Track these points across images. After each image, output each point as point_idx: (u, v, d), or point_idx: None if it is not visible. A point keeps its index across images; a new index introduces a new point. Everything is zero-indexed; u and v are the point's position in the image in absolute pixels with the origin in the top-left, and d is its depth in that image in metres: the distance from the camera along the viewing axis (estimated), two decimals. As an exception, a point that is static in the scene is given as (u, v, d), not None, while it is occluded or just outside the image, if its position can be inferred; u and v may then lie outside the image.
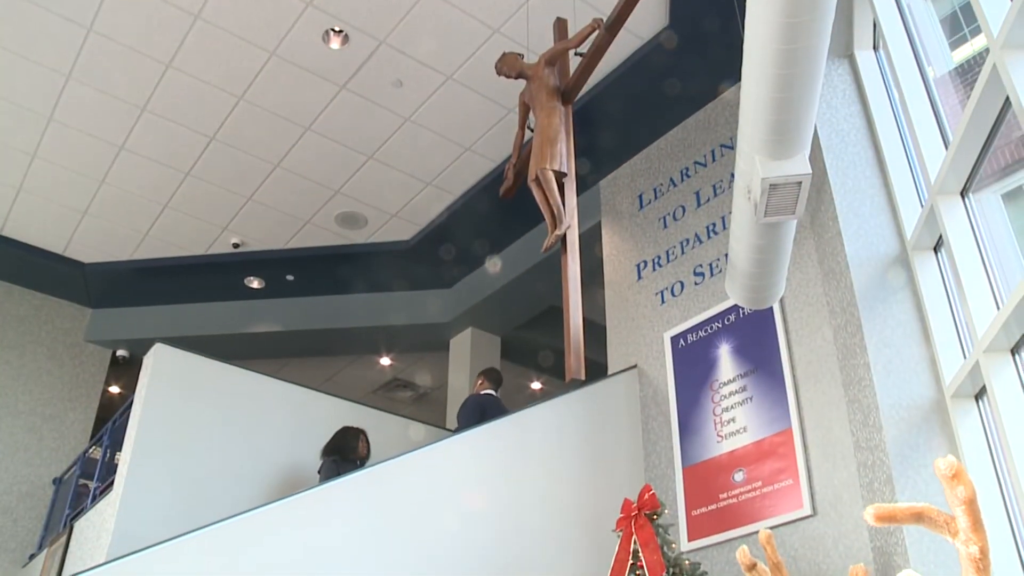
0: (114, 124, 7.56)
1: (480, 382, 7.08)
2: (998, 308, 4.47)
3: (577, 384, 5.25)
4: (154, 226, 8.94)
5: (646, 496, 4.81)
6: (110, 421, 7.75)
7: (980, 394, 4.70)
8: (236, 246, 9.24)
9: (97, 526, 6.48)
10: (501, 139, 7.49)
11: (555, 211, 4.80)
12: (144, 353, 6.81)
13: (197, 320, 10.14)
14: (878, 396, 4.86)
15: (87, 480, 7.91)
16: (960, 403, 4.79)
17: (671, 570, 4.62)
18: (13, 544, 8.73)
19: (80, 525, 7.01)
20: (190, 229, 8.99)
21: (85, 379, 10.02)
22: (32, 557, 8.43)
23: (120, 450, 6.61)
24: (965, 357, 4.82)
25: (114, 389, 11.03)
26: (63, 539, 7.25)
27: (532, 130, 5.18)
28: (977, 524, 1.20)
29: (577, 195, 5.15)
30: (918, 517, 1.27)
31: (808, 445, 5.42)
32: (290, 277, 9.77)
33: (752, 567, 1.59)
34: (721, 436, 5.88)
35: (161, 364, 6.64)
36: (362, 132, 7.64)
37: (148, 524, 5.44)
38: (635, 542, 4.66)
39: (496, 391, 7.03)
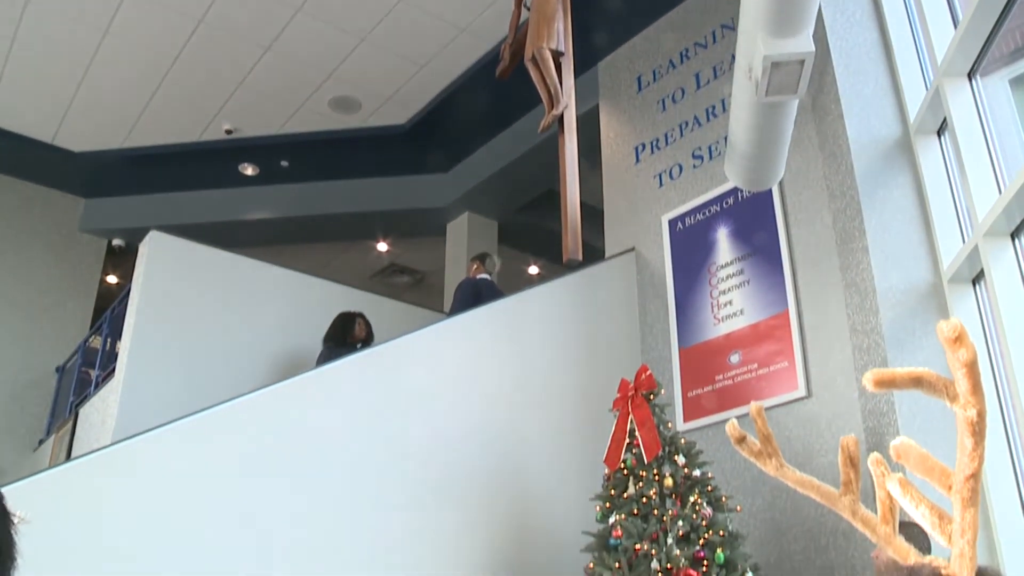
0: (96, 7, 7.33)
1: (475, 266, 7.07)
2: (1000, 192, 4.43)
3: (575, 265, 5.24)
4: (144, 113, 8.77)
5: (643, 376, 4.87)
6: (108, 310, 7.79)
7: (977, 278, 4.71)
8: (229, 132, 9.09)
9: (101, 411, 6.58)
10: (497, 19, 7.27)
11: (552, 91, 4.70)
12: (140, 242, 6.78)
13: (192, 208, 10.06)
14: (875, 280, 4.86)
15: (89, 368, 8.00)
16: (957, 287, 4.80)
17: (667, 448, 4.71)
18: (22, 430, 8.90)
19: (85, 411, 7.12)
20: (181, 116, 8.83)
21: (82, 269, 10.02)
22: (41, 442, 8.60)
23: (120, 338, 6.65)
24: (964, 241, 4.81)
25: (112, 279, 11.03)
26: (69, 425, 7.38)
27: (528, 9, 5.03)
28: (976, 388, 1.20)
29: (575, 77, 5.04)
30: (917, 381, 1.26)
31: (804, 328, 5.46)
32: (284, 163, 9.65)
33: (742, 440, 1.60)
34: (718, 319, 5.91)
35: (157, 252, 6.63)
36: (354, 13, 7.42)
37: (150, 409, 5.52)
38: (632, 421, 4.74)
39: (490, 275, 7.04)
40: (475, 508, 5.18)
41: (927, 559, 1.36)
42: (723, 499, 4.72)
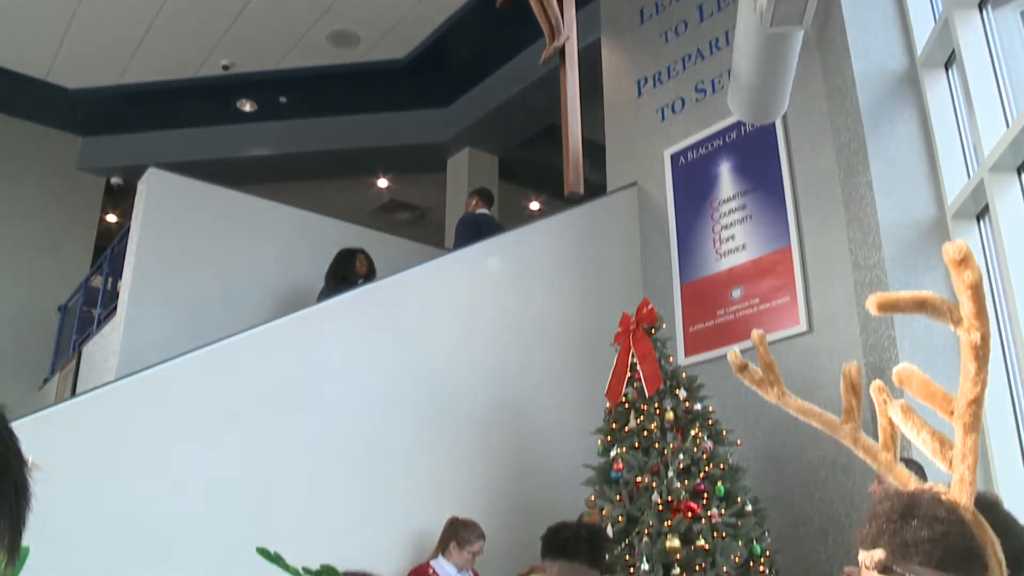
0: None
1: (474, 202, 7.03)
2: (1007, 126, 4.37)
3: (576, 199, 5.21)
4: (139, 48, 8.64)
5: (644, 310, 4.86)
6: (108, 248, 7.77)
7: (982, 214, 4.67)
8: (226, 68, 8.97)
9: (104, 349, 6.61)
10: (497, -51, 7.12)
11: (553, 22, 4.61)
12: (138, 180, 6.73)
13: (190, 145, 9.98)
14: (879, 214, 4.83)
15: (91, 307, 8.01)
16: (961, 223, 4.76)
17: (668, 382, 4.72)
18: (27, 369, 8.95)
19: (88, 349, 7.15)
20: (177, 51, 8.70)
21: (81, 208, 9.97)
22: (46, 381, 8.65)
23: (120, 277, 6.65)
24: (969, 176, 4.76)
25: (111, 218, 11.00)
26: (73, 363, 7.42)
27: (529, -63, 4.91)
28: (981, 311, 1.18)
29: (576, 8, 4.94)
30: (920, 305, 1.25)
31: (806, 263, 5.44)
32: (283, 99, 9.55)
33: (743, 368, 1.59)
34: (720, 254, 5.89)
35: (156, 189, 6.59)
36: (351, -56, 7.27)
37: (153, 346, 5.54)
38: (633, 355, 4.75)
39: (489, 210, 7.00)
40: (476, 442, 5.22)
41: (927, 485, 1.36)
42: (724, 433, 4.75)
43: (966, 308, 1.19)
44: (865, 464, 4.54)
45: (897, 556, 1.20)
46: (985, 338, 1.21)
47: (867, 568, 1.24)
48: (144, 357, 4.84)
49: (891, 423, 1.47)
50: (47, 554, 3.57)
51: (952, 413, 1.33)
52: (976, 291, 1.18)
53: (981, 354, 1.24)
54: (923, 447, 1.37)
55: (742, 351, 1.72)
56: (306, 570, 2.48)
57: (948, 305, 1.23)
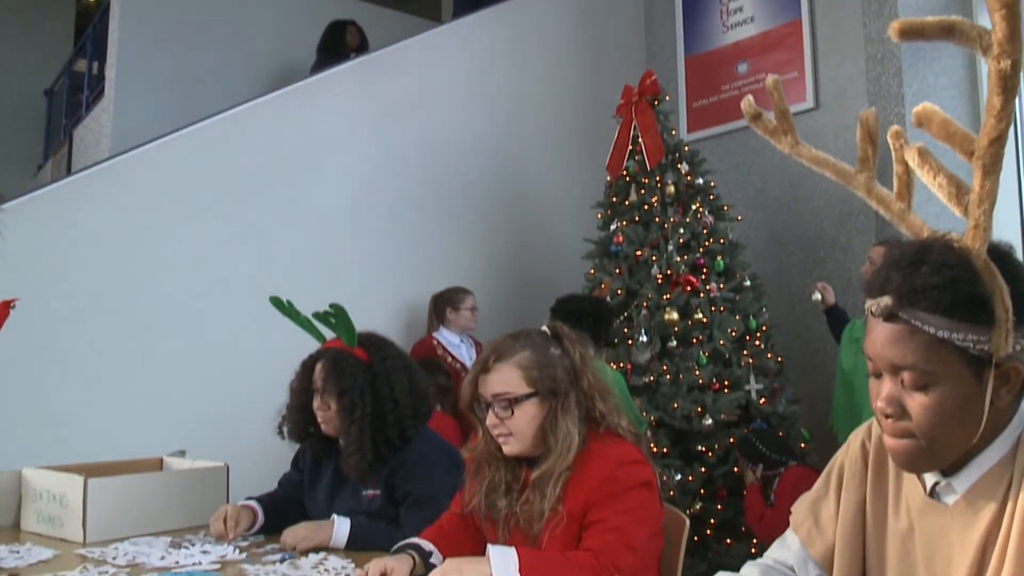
0: None
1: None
2: None
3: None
4: None
5: (647, 81, 4.70)
6: (89, 27, 7.47)
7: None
8: None
9: (95, 132, 6.49)
10: None
11: None
12: (113, -51, 6.36)
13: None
14: (896, -19, 4.57)
15: (78, 91, 7.81)
16: (983, -14, 4.51)
17: (670, 156, 4.64)
18: (21, 156, 8.84)
19: (79, 133, 7.02)
20: None
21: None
22: (40, 167, 8.57)
23: (105, 59, 6.42)
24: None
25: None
26: (65, 148, 7.31)
27: None
28: (1014, 34, 1.08)
29: None
30: (948, 29, 1.15)
31: (817, 37, 5.22)
32: None
33: (757, 116, 1.50)
34: (726, 26, 5.64)
35: (133, -41, 6.23)
36: None
37: (144, 126, 5.39)
38: (635, 128, 4.64)
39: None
40: (476, 216, 5.20)
41: (940, 232, 1.31)
42: (724, 208, 4.72)
43: (999, 31, 1.09)
44: (864, 244, 4.55)
45: (904, 303, 1.17)
46: (1017, 66, 1.12)
47: (873, 315, 1.21)
48: (136, 137, 4.72)
49: (906, 170, 1.40)
50: (46, 332, 3.64)
51: (971, 154, 1.26)
52: (1011, 10, 1.08)
53: (1010, 85, 1.15)
54: (939, 192, 1.31)
55: (746, 128, 1.62)
56: (315, 314, 2.53)
57: (978, 30, 1.13)
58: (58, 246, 3.82)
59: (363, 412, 2.34)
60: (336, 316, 2.44)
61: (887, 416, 1.21)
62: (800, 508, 1.50)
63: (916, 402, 1.18)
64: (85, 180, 4.07)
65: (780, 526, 1.57)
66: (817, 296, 4.28)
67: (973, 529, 1.21)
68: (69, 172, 6.94)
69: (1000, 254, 1.21)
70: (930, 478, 1.28)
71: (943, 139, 1.31)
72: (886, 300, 1.18)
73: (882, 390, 1.22)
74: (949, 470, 1.25)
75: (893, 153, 1.44)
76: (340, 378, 2.37)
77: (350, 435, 2.36)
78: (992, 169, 1.25)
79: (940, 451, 1.20)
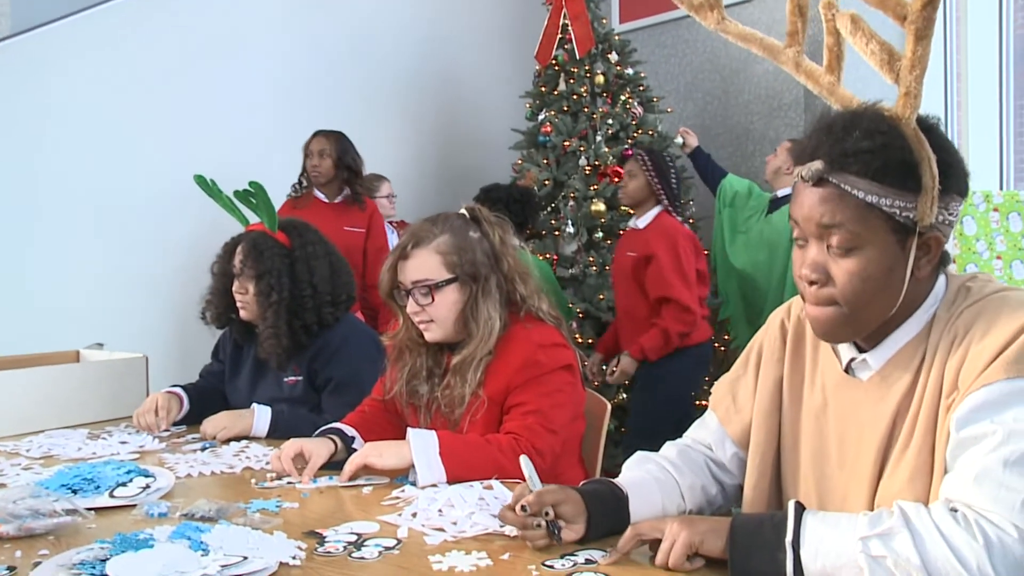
0: None
1: None
2: None
3: None
4: None
5: (578, -33, 4.55)
6: None
7: None
8: None
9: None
10: None
11: None
12: None
13: None
14: None
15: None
16: None
17: (600, 46, 4.55)
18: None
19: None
20: None
21: None
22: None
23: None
24: None
25: None
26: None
27: None
28: None
29: None
30: None
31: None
32: None
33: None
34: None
35: None
36: None
37: (47, 1, 5.04)
38: (565, 16, 4.50)
39: None
40: (403, 108, 5.09)
41: (870, 101, 1.29)
42: (655, 100, 4.67)
43: None
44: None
45: (835, 167, 1.18)
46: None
47: (803, 180, 1.21)
48: (39, 15, 4.40)
49: (837, 42, 1.37)
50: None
51: (904, 18, 1.24)
52: None
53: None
54: (871, 60, 1.29)
55: (679, 19, 1.56)
56: (235, 193, 2.46)
57: None
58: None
59: (280, 297, 2.32)
60: (256, 195, 2.37)
61: (812, 283, 1.22)
62: (719, 388, 1.52)
63: (841, 268, 1.19)
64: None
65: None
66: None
67: (885, 403, 1.23)
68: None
69: (928, 126, 1.22)
70: (846, 354, 1.30)
71: (876, 5, 1.28)
72: (817, 164, 1.19)
73: (807, 257, 1.22)
74: (865, 345, 1.27)
75: (825, 24, 1.41)
76: (258, 261, 2.34)
77: (266, 319, 2.33)
78: (924, 34, 1.24)
79: (861, 319, 1.21)
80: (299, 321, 2.33)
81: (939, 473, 1.14)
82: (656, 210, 3.71)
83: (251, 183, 2.38)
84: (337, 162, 3.99)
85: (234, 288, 2.38)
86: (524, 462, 1.36)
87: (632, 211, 3.86)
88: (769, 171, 4.30)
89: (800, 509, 1.15)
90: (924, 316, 1.23)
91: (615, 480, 1.43)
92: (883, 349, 1.25)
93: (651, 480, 1.43)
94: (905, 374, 1.22)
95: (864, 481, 1.23)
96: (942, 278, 1.26)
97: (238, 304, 2.39)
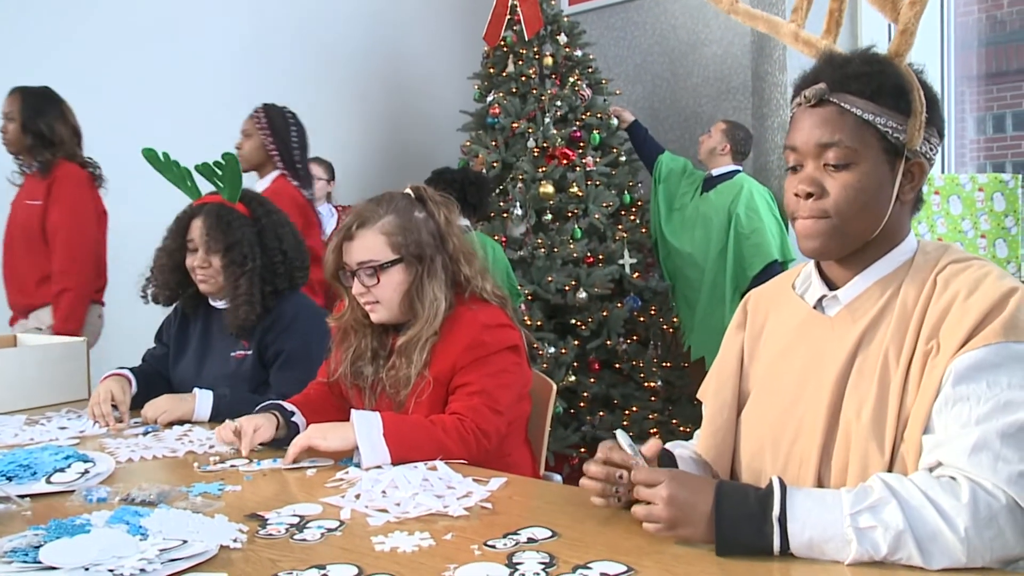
0: None
1: None
2: None
3: None
4: None
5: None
6: None
7: None
8: None
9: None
10: None
11: None
12: None
13: None
14: None
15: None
16: None
17: (549, 27, 4.54)
18: None
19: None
20: None
21: None
22: None
23: None
24: None
25: None
26: None
27: None
28: None
29: None
30: None
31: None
32: None
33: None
34: None
35: None
36: None
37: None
38: (513, -6, 4.49)
39: None
40: (351, 89, 5.03)
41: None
42: (603, 82, 4.68)
43: None
44: (741, 122, 4.57)
45: (836, 87, 1.27)
46: None
47: (806, 101, 1.29)
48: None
49: (840, 6, 1.46)
50: None
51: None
52: None
53: None
54: (872, 2, 1.38)
55: (625, 2, 1.60)
56: (203, 166, 2.42)
57: None
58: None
59: (254, 264, 2.32)
60: (227, 167, 2.35)
61: (807, 196, 1.29)
62: (705, 383, 1.56)
63: (836, 181, 1.28)
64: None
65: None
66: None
67: (849, 333, 1.30)
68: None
69: (915, 70, 1.32)
70: (818, 291, 1.37)
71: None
72: (820, 85, 1.28)
73: (804, 175, 1.31)
74: (838, 281, 1.35)
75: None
76: (227, 232, 2.32)
77: (239, 287, 2.31)
78: (927, -31, 1.34)
79: (848, 232, 1.29)
80: (271, 287, 2.35)
81: (895, 408, 1.21)
82: (273, 174, 3.60)
83: (224, 154, 2.36)
84: (23, 127, 3.34)
85: (194, 263, 2.35)
86: (621, 435, 1.33)
87: (260, 175, 3.70)
88: (703, 151, 4.36)
89: (783, 484, 1.18)
90: (897, 258, 1.31)
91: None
92: (853, 286, 1.33)
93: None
94: (871, 310, 1.29)
95: (821, 410, 1.28)
96: (913, 237, 1.35)
97: (198, 278, 2.36)
